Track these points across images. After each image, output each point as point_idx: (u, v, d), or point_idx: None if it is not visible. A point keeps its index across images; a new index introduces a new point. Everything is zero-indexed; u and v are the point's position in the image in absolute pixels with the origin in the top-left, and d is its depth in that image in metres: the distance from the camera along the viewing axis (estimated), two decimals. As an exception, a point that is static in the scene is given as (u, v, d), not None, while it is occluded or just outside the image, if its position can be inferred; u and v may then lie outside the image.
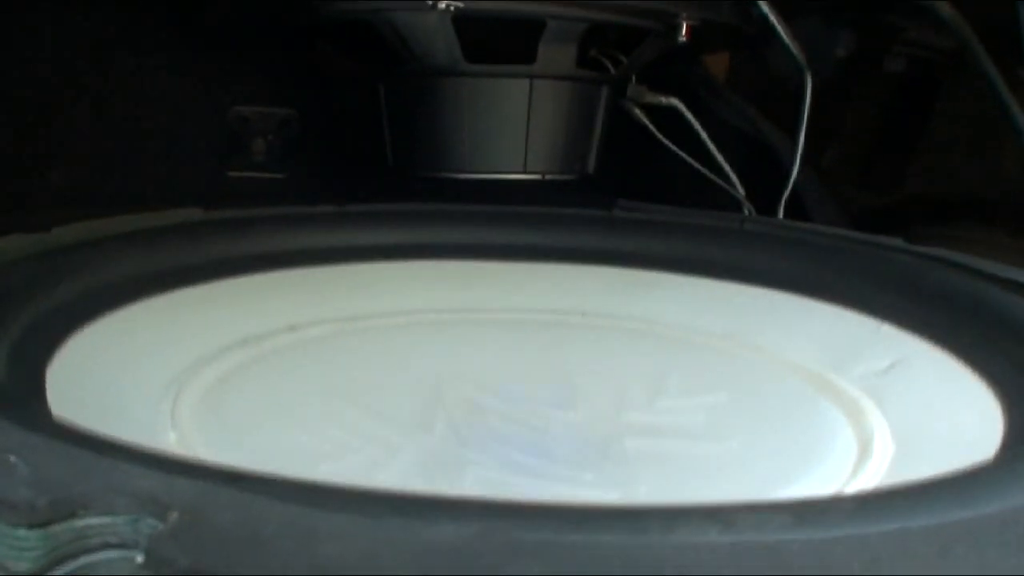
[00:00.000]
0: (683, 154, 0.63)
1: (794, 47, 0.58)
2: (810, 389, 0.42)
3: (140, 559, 0.18)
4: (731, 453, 0.36)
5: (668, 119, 0.63)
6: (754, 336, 0.47)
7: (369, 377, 0.42)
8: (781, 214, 0.60)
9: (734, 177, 0.62)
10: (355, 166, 0.65)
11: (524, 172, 0.59)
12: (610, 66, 0.61)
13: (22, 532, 0.18)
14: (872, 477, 0.34)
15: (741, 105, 0.66)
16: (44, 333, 0.36)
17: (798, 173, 0.59)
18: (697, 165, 0.62)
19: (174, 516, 0.18)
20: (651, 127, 0.63)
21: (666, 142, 0.63)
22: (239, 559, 0.17)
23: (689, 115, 0.62)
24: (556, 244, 0.54)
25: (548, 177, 0.60)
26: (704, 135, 0.62)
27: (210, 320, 0.43)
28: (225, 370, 0.41)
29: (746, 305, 0.49)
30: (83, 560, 0.18)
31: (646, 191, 0.60)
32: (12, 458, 0.20)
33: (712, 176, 0.62)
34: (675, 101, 0.62)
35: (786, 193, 0.59)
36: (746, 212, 0.62)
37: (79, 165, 0.60)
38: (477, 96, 0.58)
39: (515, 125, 0.59)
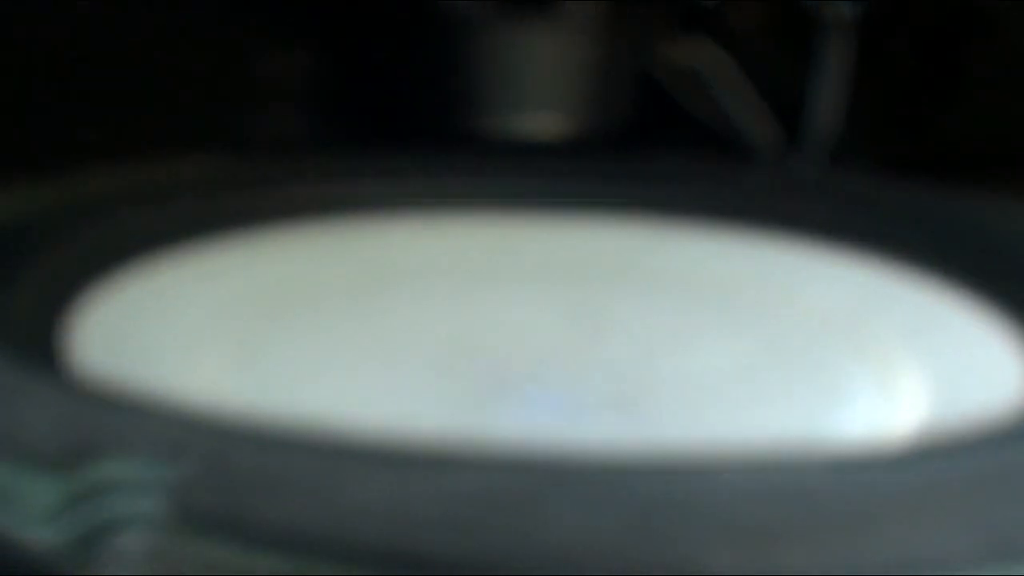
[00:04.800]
0: (709, 106, 0.62)
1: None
2: (841, 336, 0.41)
3: (162, 504, 0.18)
4: (760, 400, 0.36)
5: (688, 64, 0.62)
6: (784, 284, 0.47)
7: (393, 328, 0.41)
8: (811, 165, 0.59)
9: (762, 128, 0.61)
10: (382, 118, 0.64)
11: (549, 124, 0.59)
12: (635, 17, 0.60)
13: (40, 477, 0.18)
14: (904, 423, 0.33)
15: (770, 53, 0.65)
16: (67, 279, 0.37)
17: (829, 123, 0.58)
18: (723, 116, 0.62)
19: (197, 462, 0.18)
20: (675, 79, 0.62)
21: (691, 95, 0.62)
22: (265, 505, 0.17)
23: (716, 68, 0.61)
24: (583, 192, 0.54)
25: (573, 130, 0.60)
26: (730, 86, 0.61)
27: (229, 271, 0.43)
28: (246, 319, 0.41)
29: (776, 254, 0.49)
30: (103, 505, 0.18)
31: (670, 143, 0.59)
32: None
33: (739, 127, 0.61)
34: (702, 55, 0.61)
35: (815, 144, 0.59)
36: (773, 164, 0.61)
37: (102, 117, 0.60)
38: (503, 48, 0.58)
39: (540, 77, 0.59)
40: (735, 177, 0.54)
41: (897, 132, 0.66)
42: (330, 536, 0.16)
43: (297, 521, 0.17)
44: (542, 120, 0.59)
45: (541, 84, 0.59)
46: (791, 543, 0.18)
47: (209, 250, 0.43)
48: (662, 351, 0.40)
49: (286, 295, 0.43)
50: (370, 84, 0.65)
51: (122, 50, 0.60)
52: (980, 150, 0.62)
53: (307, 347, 0.38)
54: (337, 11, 0.63)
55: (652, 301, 0.46)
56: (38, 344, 0.30)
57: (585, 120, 0.60)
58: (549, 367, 0.38)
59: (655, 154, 0.56)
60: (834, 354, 0.39)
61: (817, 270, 0.47)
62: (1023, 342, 0.36)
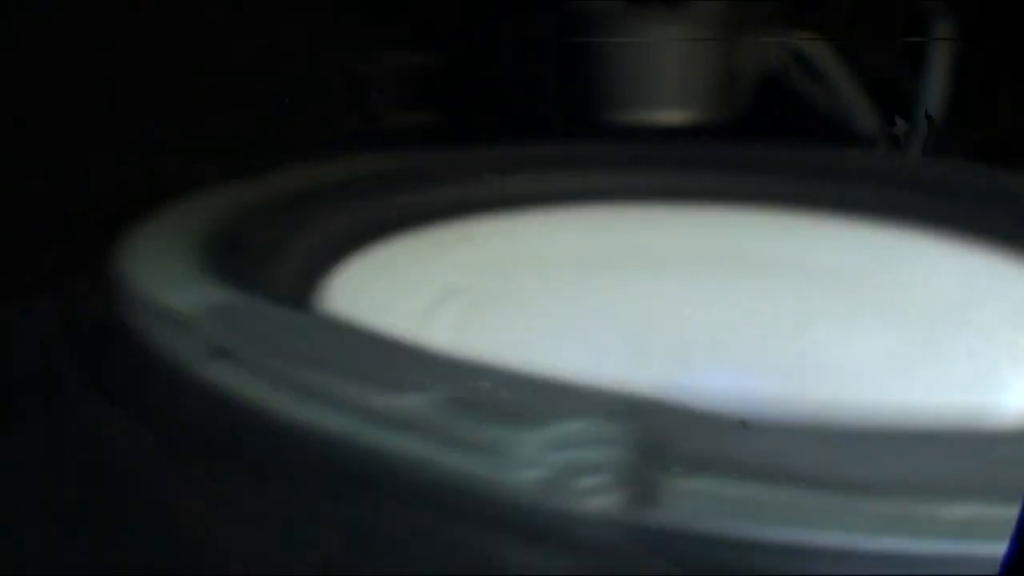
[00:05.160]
0: (818, 94, 0.65)
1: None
2: (963, 324, 0.44)
3: (625, 451, 0.23)
4: (922, 379, 0.40)
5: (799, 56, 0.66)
6: (912, 271, 0.50)
7: (577, 308, 0.46)
8: (920, 154, 0.63)
9: (873, 119, 0.64)
10: (503, 112, 0.67)
11: (676, 116, 0.63)
12: (755, 11, 0.64)
13: (520, 433, 0.23)
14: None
15: (873, 41, 0.68)
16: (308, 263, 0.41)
17: (935, 113, 0.62)
18: (836, 107, 0.65)
19: (646, 416, 0.23)
20: (789, 70, 0.65)
21: (806, 86, 0.65)
22: (726, 446, 0.22)
23: (826, 56, 0.64)
24: (713, 186, 0.57)
25: (698, 122, 0.63)
26: (841, 77, 0.64)
27: (428, 267, 0.47)
28: (453, 306, 0.45)
29: (900, 241, 0.52)
30: (574, 453, 0.23)
31: (781, 131, 0.63)
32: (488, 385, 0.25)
33: (851, 118, 0.65)
34: (813, 44, 0.64)
35: (924, 134, 0.62)
36: (885, 153, 0.65)
37: (228, 117, 0.62)
38: (632, 44, 0.62)
39: (668, 71, 0.62)
40: (851, 166, 0.58)
41: (994, 119, 0.68)
42: (777, 463, 0.22)
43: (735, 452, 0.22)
44: (671, 113, 0.63)
45: (668, 79, 0.63)
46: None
47: (425, 235, 0.48)
48: (817, 335, 0.43)
49: (474, 285, 0.47)
50: (503, 82, 0.69)
51: (243, 54, 0.62)
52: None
53: (517, 319, 0.43)
54: (475, 9, 0.66)
55: (790, 286, 0.49)
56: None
57: (709, 112, 0.63)
58: (725, 347, 0.42)
59: (777, 145, 0.60)
60: (970, 336, 0.43)
61: (940, 256, 0.49)
62: None
